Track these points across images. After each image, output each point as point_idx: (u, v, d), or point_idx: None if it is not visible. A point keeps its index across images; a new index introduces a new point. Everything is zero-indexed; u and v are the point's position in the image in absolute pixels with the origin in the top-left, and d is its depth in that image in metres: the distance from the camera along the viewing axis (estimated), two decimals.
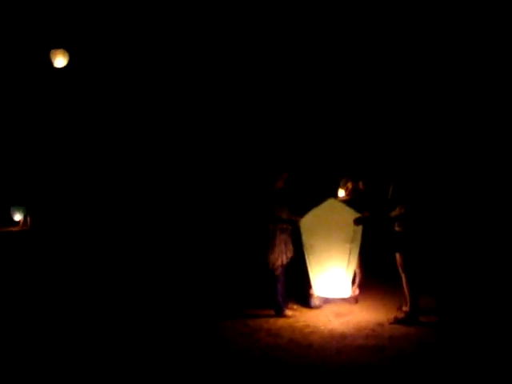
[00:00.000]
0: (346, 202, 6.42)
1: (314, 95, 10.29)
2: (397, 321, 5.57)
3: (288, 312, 5.95)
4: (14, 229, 14.51)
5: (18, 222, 14.99)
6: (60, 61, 9.41)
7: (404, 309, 5.74)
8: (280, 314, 5.90)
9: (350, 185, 7.04)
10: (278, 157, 7.15)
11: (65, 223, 12.82)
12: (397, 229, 5.54)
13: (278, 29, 10.23)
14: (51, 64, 9.41)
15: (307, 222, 5.72)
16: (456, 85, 9.53)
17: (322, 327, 5.51)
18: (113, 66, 11.73)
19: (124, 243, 10.23)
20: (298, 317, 5.88)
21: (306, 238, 5.70)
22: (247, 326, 5.66)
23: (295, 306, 6.17)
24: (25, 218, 14.95)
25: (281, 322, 5.76)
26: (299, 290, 6.27)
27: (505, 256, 7.26)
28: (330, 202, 5.79)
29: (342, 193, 7.15)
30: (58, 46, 9.52)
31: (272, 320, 5.82)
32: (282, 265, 5.85)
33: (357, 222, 5.56)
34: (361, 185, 6.91)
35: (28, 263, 9.30)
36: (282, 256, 5.82)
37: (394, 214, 5.52)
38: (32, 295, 7.22)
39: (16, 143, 13.44)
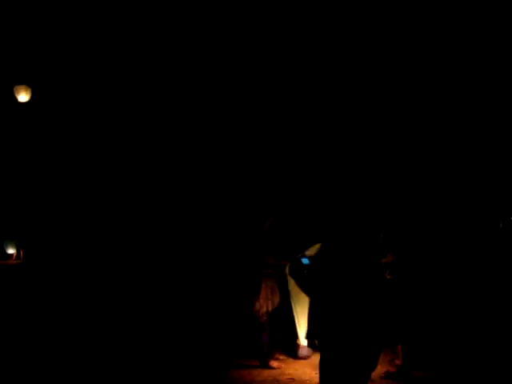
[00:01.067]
0: None
1: (303, 137, 10.14)
2: (389, 375, 5.24)
3: (273, 363, 5.61)
4: (6, 262, 14.31)
5: (11, 256, 14.79)
6: (23, 96, 9.74)
7: (396, 362, 5.40)
8: (264, 364, 5.57)
9: None
10: (266, 198, 6.92)
11: (58, 255, 12.63)
12: (388, 277, 5.26)
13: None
14: (15, 99, 9.71)
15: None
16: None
17: (308, 381, 5.17)
18: (76, 101, 11.79)
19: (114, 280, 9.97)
20: (283, 368, 5.54)
21: (292, 285, 5.41)
22: (228, 377, 5.34)
23: (281, 357, 5.83)
24: (17, 251, 14.76)
25: (265, 373, 5.42)
26: (286, 339, 5.94)
27: (499, 304, 6.94)
28: (319, 247, 5.51)
29: None
30: (21, 82, 9.82)
31: (256, 371, 5.48)
32: (267, 312, 5.54)
33: None
34: None
35: (22, 297, 9.11)
36: (267, 303, 5.52)
37: (384, 261, 5.24)
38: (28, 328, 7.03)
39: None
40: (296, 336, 5.62)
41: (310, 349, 5.67)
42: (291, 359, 5.81)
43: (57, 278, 10.51)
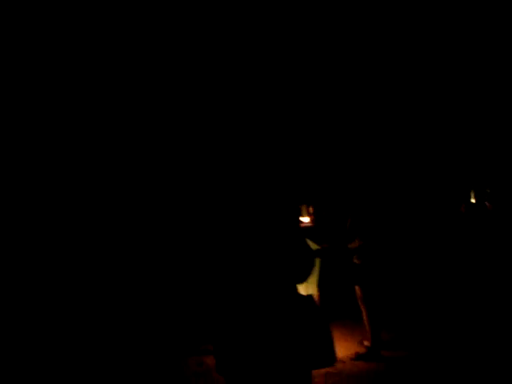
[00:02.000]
0: (311, 228, 6.25)
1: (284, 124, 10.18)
2: (358, 356, 5.41)
3: None
4: None
5: None
6: None
7: (365, 343, 5.58)
8: None
9: (311, 209, 6.80)
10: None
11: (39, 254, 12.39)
12: (355, 261, 5.42)
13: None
14: None
15: None
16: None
17: None
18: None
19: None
20: None
21: None
22: (203, 363, 5.40)
23: None
24: None
25: None
26: None
27: (467, 285, 7.19)
28: None
29: (306, 219, 6.89)
30: None
31: None
32: None
33: (315, 254, 5.41)
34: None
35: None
36: None
37: (352, 245, 5.40)
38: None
39: None
40: None
41: None
42: None
43: (40, 278, 10.27)
